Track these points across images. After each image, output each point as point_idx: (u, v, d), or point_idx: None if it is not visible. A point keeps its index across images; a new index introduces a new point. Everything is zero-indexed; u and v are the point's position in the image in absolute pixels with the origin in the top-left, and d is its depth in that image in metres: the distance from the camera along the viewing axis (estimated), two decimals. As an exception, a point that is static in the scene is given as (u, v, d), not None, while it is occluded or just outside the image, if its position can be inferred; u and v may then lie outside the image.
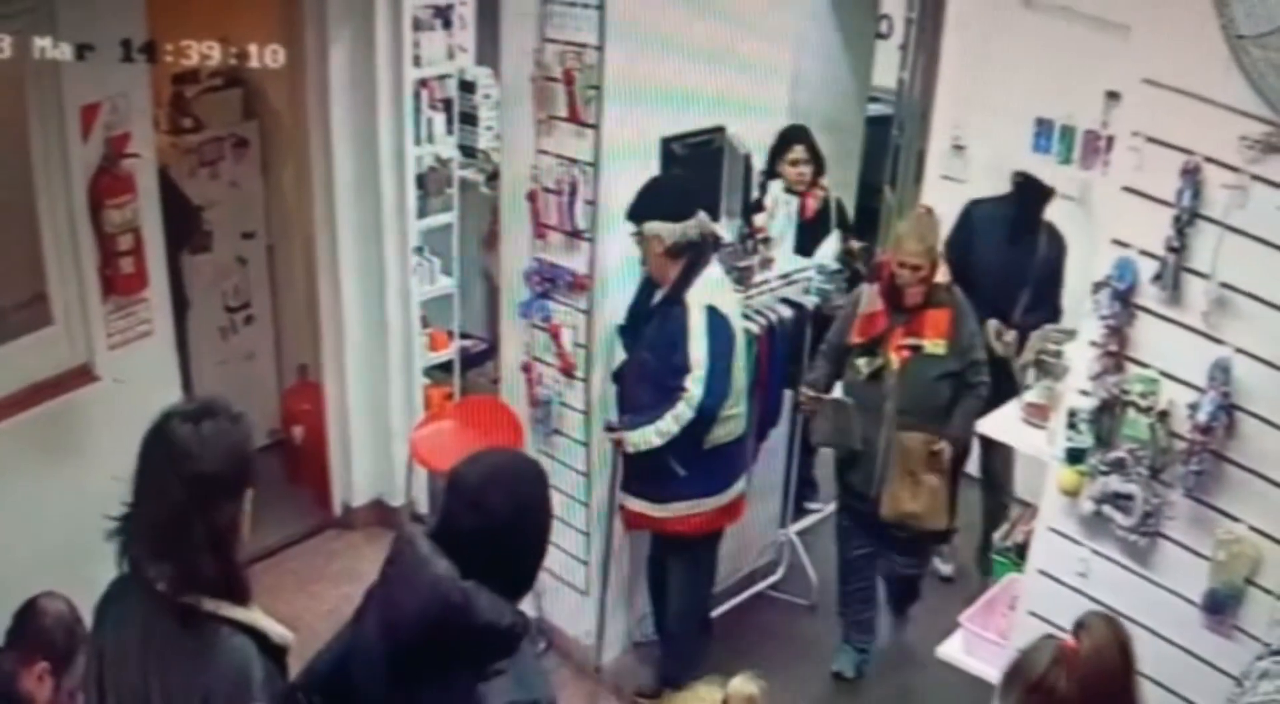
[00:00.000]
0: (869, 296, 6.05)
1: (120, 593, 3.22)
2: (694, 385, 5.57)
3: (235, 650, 3.11)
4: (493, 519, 3.15)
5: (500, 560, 3.14)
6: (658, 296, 5.69)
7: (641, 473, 5.88)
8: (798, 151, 6.89)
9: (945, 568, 7.31)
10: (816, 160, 7.01)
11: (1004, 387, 5.78)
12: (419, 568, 3.13)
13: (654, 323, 5.68)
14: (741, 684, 3.08)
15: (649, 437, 5.67)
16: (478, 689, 3.11)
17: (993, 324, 6.39)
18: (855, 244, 6.92)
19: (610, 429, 5.88)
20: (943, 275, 5.98)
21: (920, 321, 5.94)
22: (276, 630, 3.21)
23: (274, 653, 3.20)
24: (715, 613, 6.56)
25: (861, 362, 6.04)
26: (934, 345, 5.94)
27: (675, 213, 5.53)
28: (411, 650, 3.15)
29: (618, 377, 6.00)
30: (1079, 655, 3.26)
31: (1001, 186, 6.77)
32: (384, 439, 7.40)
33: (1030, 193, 6.64)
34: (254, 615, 3.18)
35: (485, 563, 3.11)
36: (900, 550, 6.32)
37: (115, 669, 3.19)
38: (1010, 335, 6.35)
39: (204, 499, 3.06)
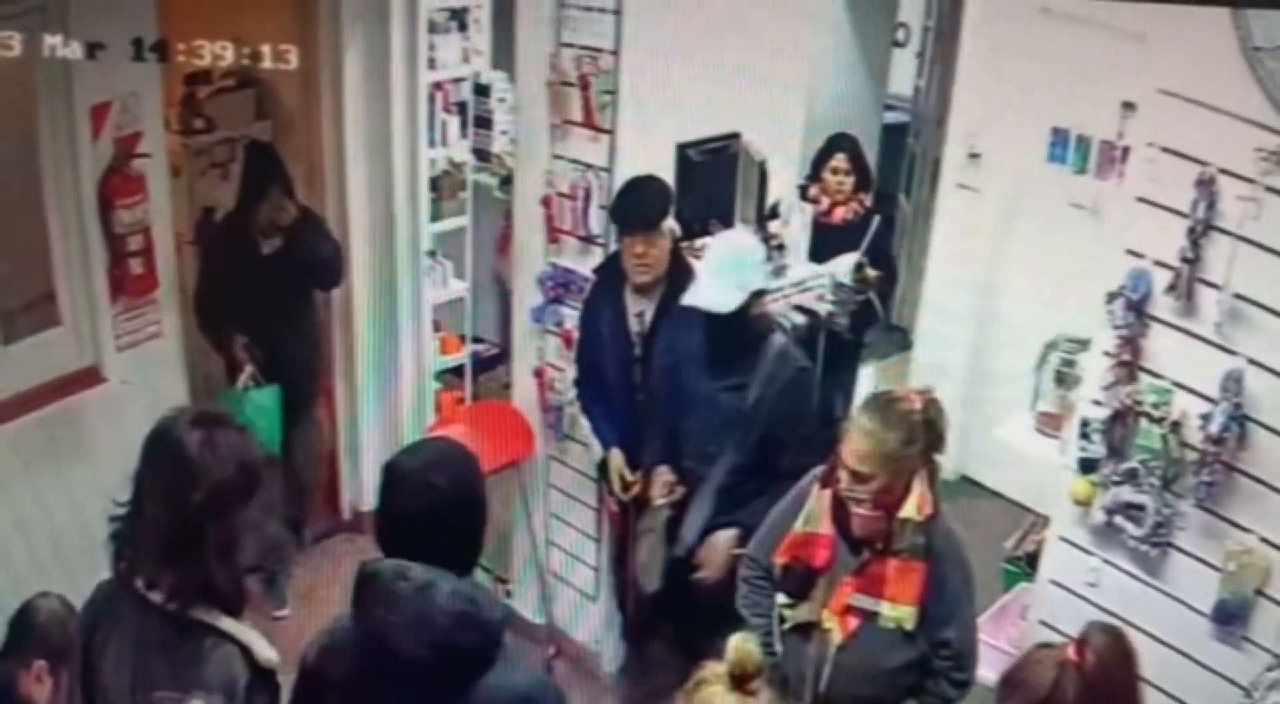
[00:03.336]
0: (815, 504, 4.14)
1: (106, 600, 3.23)
2: None
3: (223, 660, 3.12)
4: (439, 501, 3.16)
5: (446, 543, 3.14)
6: (640, 305, 5.55)
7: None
8: (839, 160, 6.84)
9: None
10: (860, 172, 6.95)
11: None
12: (424, 595, 3.06)
13: (668, 323, 5.48)
14: (740, 643, 3.09)
15: None
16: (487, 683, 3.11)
17: (662, 471, 5.36)
18: (871, 272, 6.81)
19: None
20: (925, 504, 3.95)
21: (880, 572, 4.01)
22: (264, 652, 3.20)
23: (262, 671, 3.20)
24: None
25: (784, 608, 4.24)
26: (894, 612, 4.00)
27: (670, 208, 5.51)
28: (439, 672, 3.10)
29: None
30: (1083, 669, 3.22)
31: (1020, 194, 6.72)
32: (394, 444, 7.30)
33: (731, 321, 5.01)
34: (244, 629, 3.18)
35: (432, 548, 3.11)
36: None
37: (101, 677, 3.18)
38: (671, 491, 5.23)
39: (218, 509, 3.08)
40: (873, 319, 6.96)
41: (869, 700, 4.09)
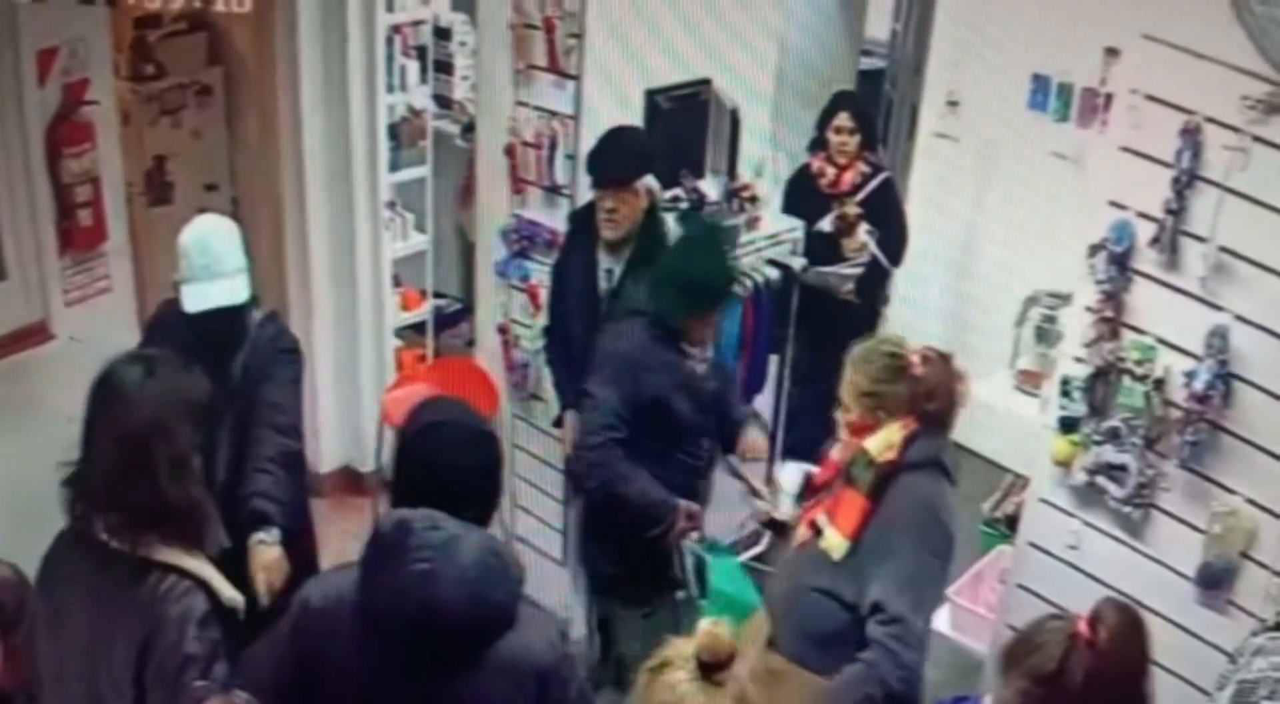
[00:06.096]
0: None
1: (64, 551, 3.28)
2: None
3: (180, 598, 3.15)
4: (472, 458, 3.36)
5: (470, 498, 3.28)
6: (610, 261, 5.46)
7: None
8: (842, 118, 6.69)
9: None
10: (865, 130, 6.79)
11: None
12: (457, 544, 3.05)
13: (634, 283, 5.38)
14: (711, 626, 2.93)
15: None
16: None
17: None
18: (851, 210, 6.65)
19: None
20: (889, 450, 4.06)
21: (840, 497, 4.21)
22: (226, 592, 3.26)
23: (225, 613, 3.24)
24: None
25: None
26: (830, 535, 4.15)
27: (650, 167, 5.37)
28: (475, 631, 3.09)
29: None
30: (1095, 648, 3.12)
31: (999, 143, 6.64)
32: (353, 403, 7.26)
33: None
34: (206, 570, 3.23)
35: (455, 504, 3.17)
36: None
37: (61, 628, 3.20)
38: None
39: (162, 428, 3.17)
40: (882, 278, 6.85)
41: (789, 630, 4.24)
